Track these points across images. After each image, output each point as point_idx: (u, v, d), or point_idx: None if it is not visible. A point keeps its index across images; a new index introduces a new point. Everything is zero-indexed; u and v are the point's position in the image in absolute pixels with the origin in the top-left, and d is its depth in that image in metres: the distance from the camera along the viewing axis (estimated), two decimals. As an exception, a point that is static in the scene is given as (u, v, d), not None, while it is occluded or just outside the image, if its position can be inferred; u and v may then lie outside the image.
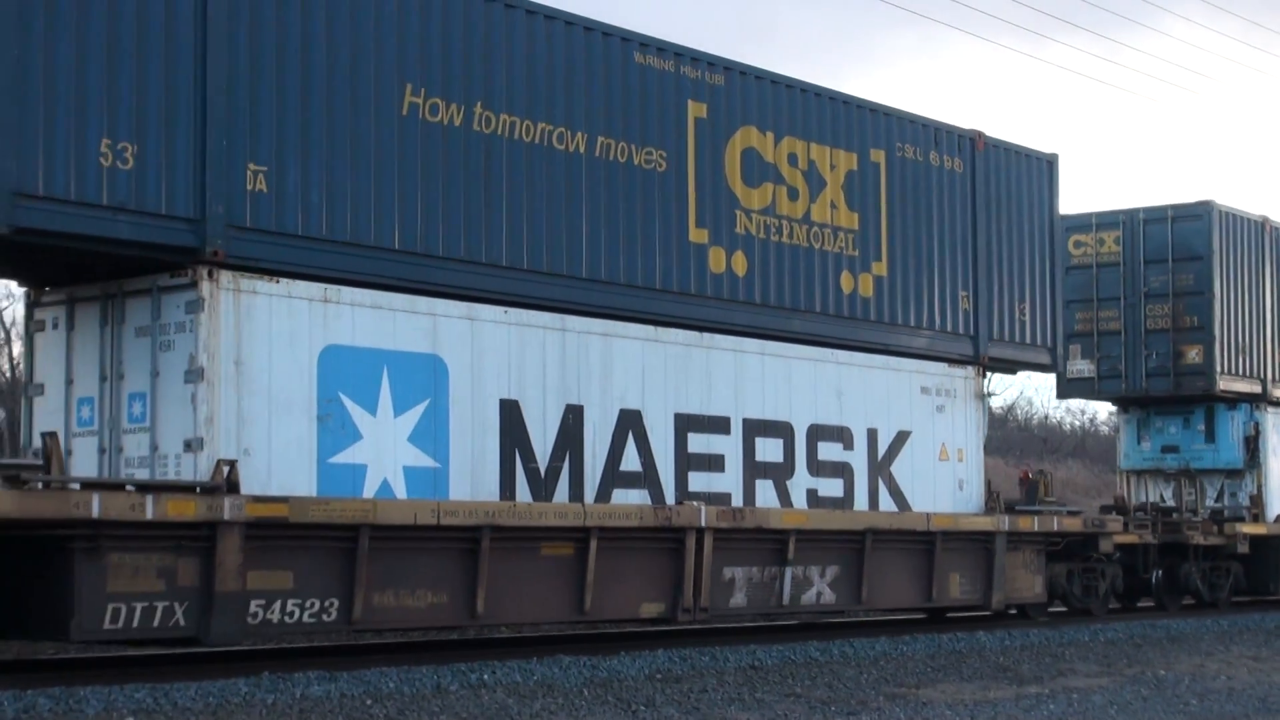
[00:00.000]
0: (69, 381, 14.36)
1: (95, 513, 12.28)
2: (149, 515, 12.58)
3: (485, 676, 13.71)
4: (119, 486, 12.75)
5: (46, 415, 14.49)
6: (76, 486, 12.51)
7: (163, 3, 13.16)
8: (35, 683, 12.12)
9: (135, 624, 12.70)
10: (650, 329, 16.82)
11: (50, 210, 12.52)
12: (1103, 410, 60.49)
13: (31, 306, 14.73)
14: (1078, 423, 65.53)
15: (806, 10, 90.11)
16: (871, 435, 19.18)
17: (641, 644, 16.40)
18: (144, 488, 12.78)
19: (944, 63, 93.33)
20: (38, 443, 14.54)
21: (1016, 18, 67.40)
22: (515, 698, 12.90)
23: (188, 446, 13.47)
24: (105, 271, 13.91)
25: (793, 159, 18.36)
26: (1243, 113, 79.84)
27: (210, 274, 13.42)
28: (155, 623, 12.83)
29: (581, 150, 16.17)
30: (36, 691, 11.53)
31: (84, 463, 14.08)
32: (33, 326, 14.70)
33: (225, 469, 13.13)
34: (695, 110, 17.33)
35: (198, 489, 13.02)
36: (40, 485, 12.33)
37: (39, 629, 12.77)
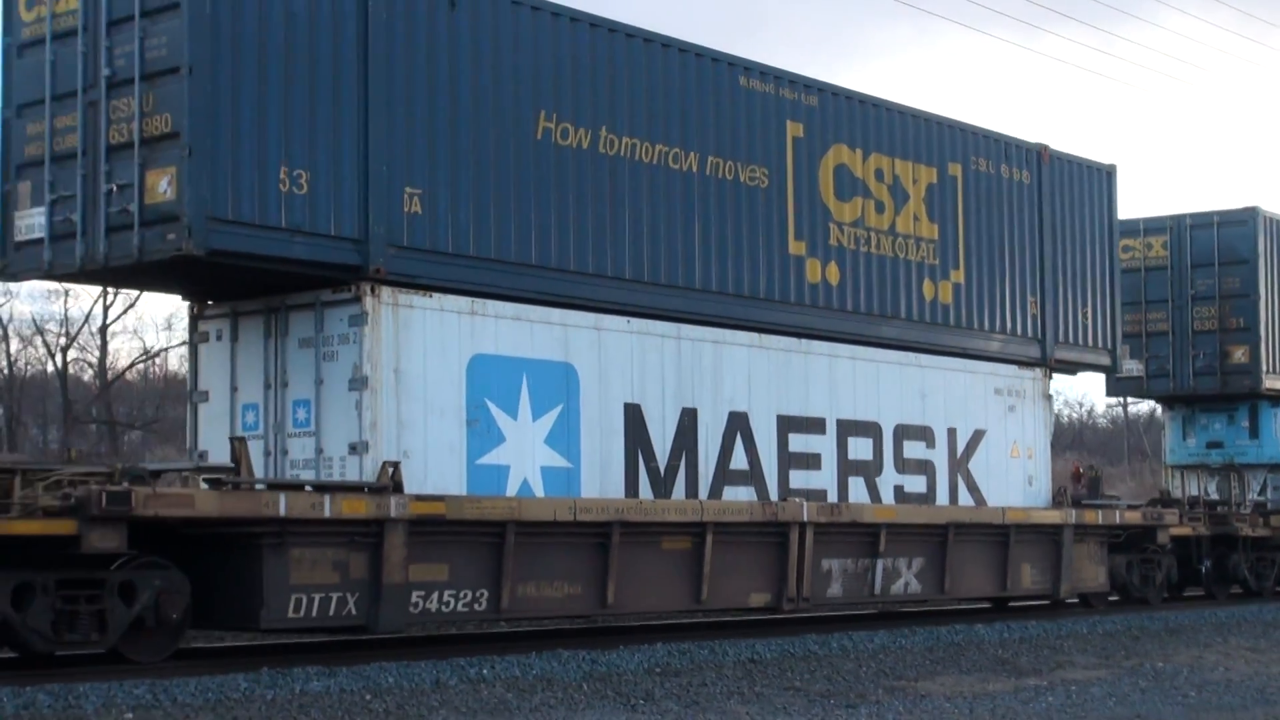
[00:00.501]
0: (233, 389, 15.43)
1: (282, 511, 13.39)
2: (327, 513, 13.69)
3: (484, 671, 13.60)
4: (299, 487, 13.85)
5: (211, 420, 15.57)
6: (263, 487, 13.61)
7: (330, 45, 14.23)
8: (35, 679, 12.04)
9: (314, 613, 13.80)
10: (755, 336, 17.92)
11: (238, 233, 13.61)
12: (1100, 403, 61.43)
13: (195, 319, 15.79)
14: (1075, 415, 66.26)
15: (799, 2, 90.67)
16: (951, 434, 20.29)
17: (640, 638, 16.40)
18: (320, 488, 13.89)
19: (938, 54, 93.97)
20: (203, 445, 15.67)
21: (1010, 9, 68.12)
22: (514, 692, 12.86)
23: (352, 449, 14.55)
24: (267, 287, 14.97)
25: (879, 174, 19.44)
26: (1236, 103, 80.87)
27: (373, 290, 14.51)
28: (331, 612, 13.93)
29: (694, 169, 17.25)
30: (36, 688, 11.50)
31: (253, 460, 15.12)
32: (196, 338, 15.77)
33: (390, 470, 14.24)
34: (793, 130, 18.41)
35: (366, 489, 14.12)
36: (230, 487, 13.43)
37: (230, 619, 13.85)
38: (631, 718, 12.06)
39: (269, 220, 13.79)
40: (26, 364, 48.46)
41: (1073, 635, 18.82)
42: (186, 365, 16.30)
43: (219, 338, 15.60)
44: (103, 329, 46.98)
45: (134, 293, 41.17)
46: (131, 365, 50.41)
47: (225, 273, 14.40)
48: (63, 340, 46.54)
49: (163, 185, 13.43)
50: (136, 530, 12.78)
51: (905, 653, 16.51)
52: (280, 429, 15.05)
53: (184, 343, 47.05)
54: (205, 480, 13.46)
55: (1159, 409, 29.42)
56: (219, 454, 15.35)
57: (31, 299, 72.90)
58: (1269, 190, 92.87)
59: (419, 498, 14.33)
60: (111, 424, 46.98)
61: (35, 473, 12.81)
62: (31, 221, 14.40)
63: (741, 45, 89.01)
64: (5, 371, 46.04)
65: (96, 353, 48.28)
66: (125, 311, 46.72)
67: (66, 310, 49.16)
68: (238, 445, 13.66)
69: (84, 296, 45.93)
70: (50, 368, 47.16)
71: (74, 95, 14.14)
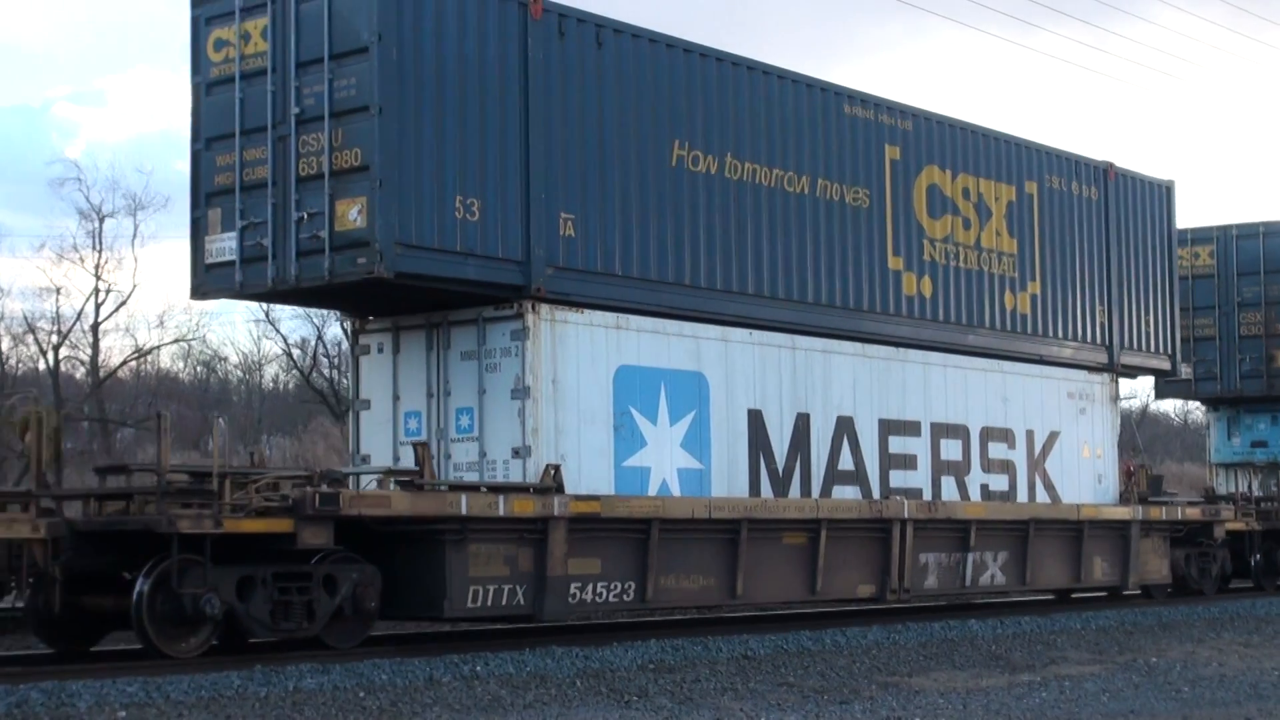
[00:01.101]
0: (395, 398, 16.74)
1: (464, 510, 14.72)
2: (501, 512, 15.02)
3: (478, 668, 13.66)
4: (475, 488, 15.17)
5: (373, 427, 16.89)
6: (445, 488, 14.93)
7: (497, 84, 15.58)
8: (27, 677, 12.12)
9: (489, 603, 15.13)
10: (859, 345, 19.26)
11: (421, 257, 14.93)
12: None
13: (355, 334, 17.11)
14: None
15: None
16: (1029, 436, 21.66)
17: (633, 634, 16.46)
18: (493, 489, 15.22)
19: (931, 51, 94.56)
20: (365, 449, 16.98)
21: (1004, 5, 68.99)
22: (508, 689, 12.90)
23: (515, 453, 15.87)
24: (428, 304, 16.28)
25: (965, 193, 20.80)
26: (1229, 98, 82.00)
27: (533, 307, 15.83)
28: (503, 602, 15.26)
29: (806, 191, 18.59)
30: (29, 686, 11.56)
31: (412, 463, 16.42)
32: (358, 350, 17.08)
33: (553, 472, 15.57)
34: (890, 153, 19.75)
35: (531, 490, 15.45)
36: (420, 488, 14.76)
37: (416, 609, 15.16)
38: (625, 714, 12.04)
39: (447, 245, 15.12)
40: (19, 362, 48.35)
41: (1066, 631, 18.94)
42: (349, 376, 17.57)
43: (380, 350, 16.90)
44: (94, 327, 46.81)
45: (125, 290, 41.48)
46: (124, 363, 50.21)
47: (394, 291, 15.69)
48: (54, 338, 46.30)
49: (353, 214, 14.75)
50: (336, 528, 14.11)
51: (899, 648, 16.54)
52: (444, 434, 16.35)
53: (177, 340, 47.73)
54: (396, 482, 14.77)
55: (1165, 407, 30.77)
56: (380, 457, 16.70)
57: (23, 296, 73.23)
58: (1269, 187, 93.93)
59: (577, 497, 15.67)
60: (104, 421, 46.91)
61: (242, 476, 14.13)
62: (222, 245, 15.70)
63: (735, 41, 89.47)
64: (-3, 369, 44.96)
65: (88, 350, 48.15)
66: (117, 309, 46.96)
67: (58, 308, 48.14)
68: (421, 450, 14.97)
69: (75, 295, 45.91)
70: (42, 365, 46.86)
71: (263, 130, 15.45)
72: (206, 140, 15.96)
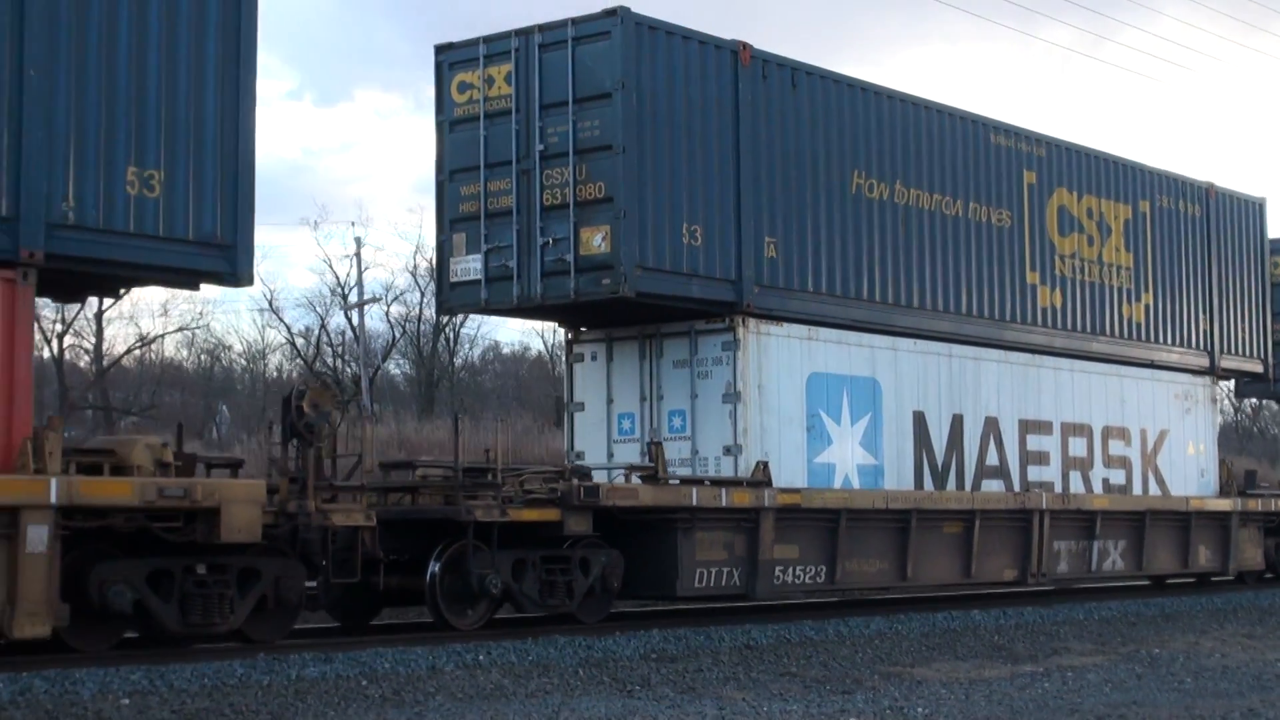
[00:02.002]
0: (609, 401, 18.71)
1: (694, 501, 16.72)
2: (723, 503, 17.01)
3: (480, 657, 13.71)
4: (700, 482, 17.16)
5: (587, 427, 18.86)
6: (676, 482, 16.92)
7: (715, 124, 17.55)
8: (31, 665, 12.10)
9: (711, 584, 17.12)
10: (1002, 353, 21.26)
11: (655, 278, 16.92)
12: None
13: (570, 344, 19.08)
14: None
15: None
16: (1143, 434, 23.67)
17: (636, 624, 16.62)
18: (715, 483, 17.21)
19: (933, 46, 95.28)
20: (579, 447, 18.94)
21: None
22: (511, 678, 12.91)
23: (726, 451, 17.86)
24: (640, 317, 18.24)
25: (1089, 212, 22.79)
26: (1236, 92, 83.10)
27: (743, 321, 17.80)
28: (722, 583, 17.25)
29: (959, 214, 20.58)
30: (32, 674, 11.55)
31: (628, 460, 18.39)
32: (573, 358, 19.06)
33: (762, 467, 17.57)
34: (1028, 177, 21.75)
35: (744, 483, 17.44)
36: (635, 478, 16.74)
37: (651, 589, 17.13)
38: (627, 704, 12.02)
39: (676, 267, 17.10)
40: None
41: (1069, 622, 19.05)
42: (564, 381, 19.53)
43: (594, 358, 18.88)
44: (98, 315, 47.29)
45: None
46: (128, 351, 50.82)
47: (610, 306, 17.64)
48: (59, 326, 46.58)
49: (597, 240, 16.73)
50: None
51: (901, 639, 16.63)
52: (657, 434, 18.30)
53: (181, 329, 48.22)
54: (639, 477, 16.75)
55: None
56: (594, 454, 18.67)
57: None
58: (1271, 181, 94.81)
59: (783, 490, 17.66)
60: (108, 410, 47.48)
61: (511, 472, 16.10)
62: (467, 266, 17.67)
63: (740, 32, 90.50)
64: None
65: (92, 339, 48.79)
66: (120, 297, 48.32)
67: (63, 295, 49.59)
68: (655, 449, 16.97)
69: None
70: (46, 353, 46.91)
71: (508, 164, 17.42)
72: (450, 172, 17.92)
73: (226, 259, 13.44)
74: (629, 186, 16.67)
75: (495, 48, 17.62)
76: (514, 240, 17.36)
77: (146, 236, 12.95)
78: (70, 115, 12.52)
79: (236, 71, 13.49)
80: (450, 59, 17.97)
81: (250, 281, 13.60)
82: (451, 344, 56.74)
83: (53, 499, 12.05)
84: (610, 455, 18.56)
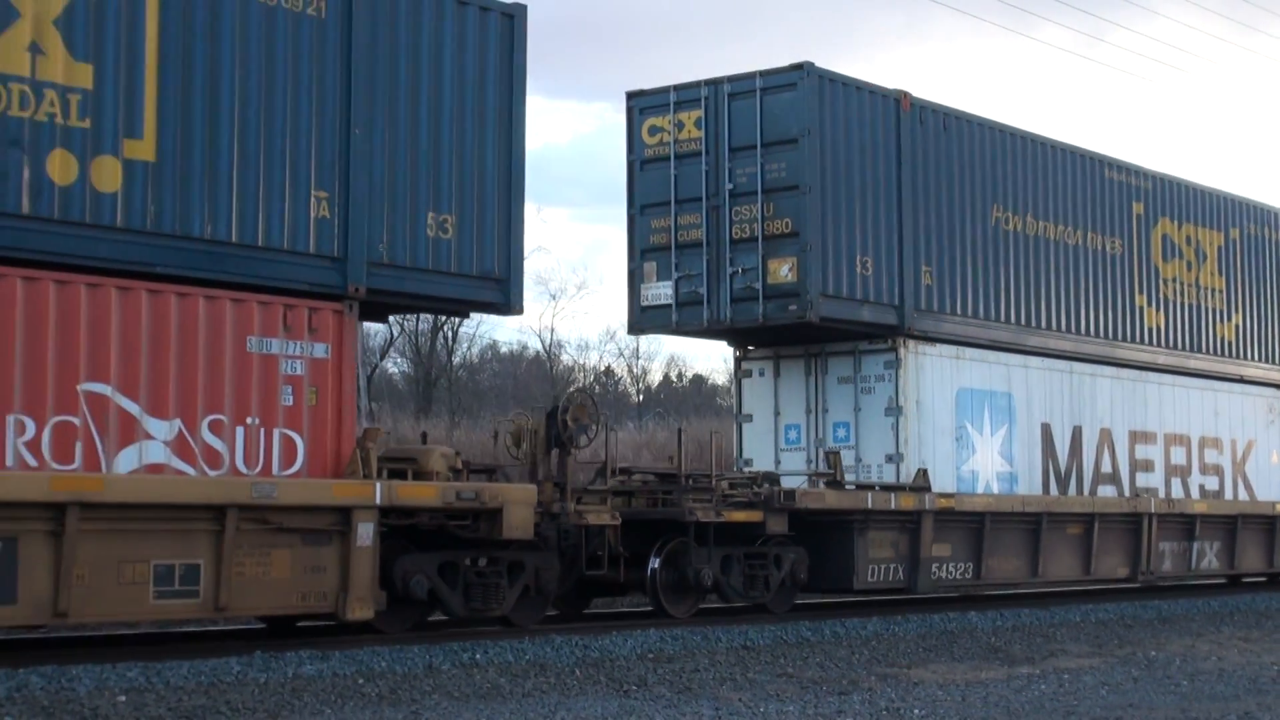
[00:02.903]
0: (776, 413, 20.69)
1: (870, 505, 18.70)
2: (893, 506, 19.00)
3: (477, 656, 13.77)
4: (872, 487, 19.15)
5: (755, 436, 20.83)
6: (852, 487, 18.90)
7: (881, 165, 19.51)
8: (28, 661, 12.20)
9: (879, 579, 19.10)
10: (1114, 369, 23.26)
11: (835, 304, 18.89)
12: None
13: (739, 360, 21.05)
14: None
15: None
16: (1233, 443, 25.70)
17: (633, 624, 16.71)
18: (885, 488, 19.19)
19: (932, 44, 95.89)
20: (747, 454, 20.90)
21: None
22: (507, 677, 12.91)
23: (888, 459, 19.84)
24: (806, 337, 20.21)
25: (1188, 239, 24.82)
26: (1232, 92, 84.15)
27: (904, 342, 19.79)
28: (889, 578, 19.23)
29: (1079, 243, 22.58)
30: (29, 670, 11.58)
31: (794, 467, 20.36)
32: (741, 374, 21.03)
33: (923, 474, 19.55)
34: (1136, 209, 23.76)
35: (908, 489, 19.43)
36: (822, 485, 18.73)
37: (831, 583, 19.09)
38: (624, 704, 12.05)
39: (852, 295, 19.10)
40: None
41: (1065, 624, 19.13)
42: (734, 394, 21.51)
43: (761, 374, 20.86)
44: None
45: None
46: None
47: (782, 329, 19.61)
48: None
49: (784, 270, 18.71)
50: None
51: (898, 640, 16.66)
52: (822, 443, 20.30)
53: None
54: (824, 482, 18.74)
55: None
56: (761, 461, 20.62)
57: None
58: (1269, 179, 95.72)
59: (941, 494, 19.65)
60: None
61: (704, 477, 18.06)
62: (657, 292, 19.64)
63: (735, 32, 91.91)
64: None
65: None
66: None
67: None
68: (834, 457, 18.96)
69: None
70: None
71: (697, 201, 19.39)
72: (641, 206, 19.90)
73: (502, 291, 15.42)
74: (814, 222, 18.65)
75: (685, 95, 19.60)
76: (704, 269, 19.33)
77: (442, 273, 14.92)
78: (385, 168, 14.50)
79: (510, 124, 15.47)
80: (641, 104, 19.94)
81: (520, 311, 15.56)
82: (450, 343, 57.45)
83: (377, 500, 14.02)
84: (777, 462, 20.52)
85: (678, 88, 19.70)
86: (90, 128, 12.68)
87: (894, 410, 19.83)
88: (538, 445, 16.49)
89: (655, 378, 66.58)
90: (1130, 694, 13.44)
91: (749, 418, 20.99)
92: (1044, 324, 21.95)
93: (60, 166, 12.50)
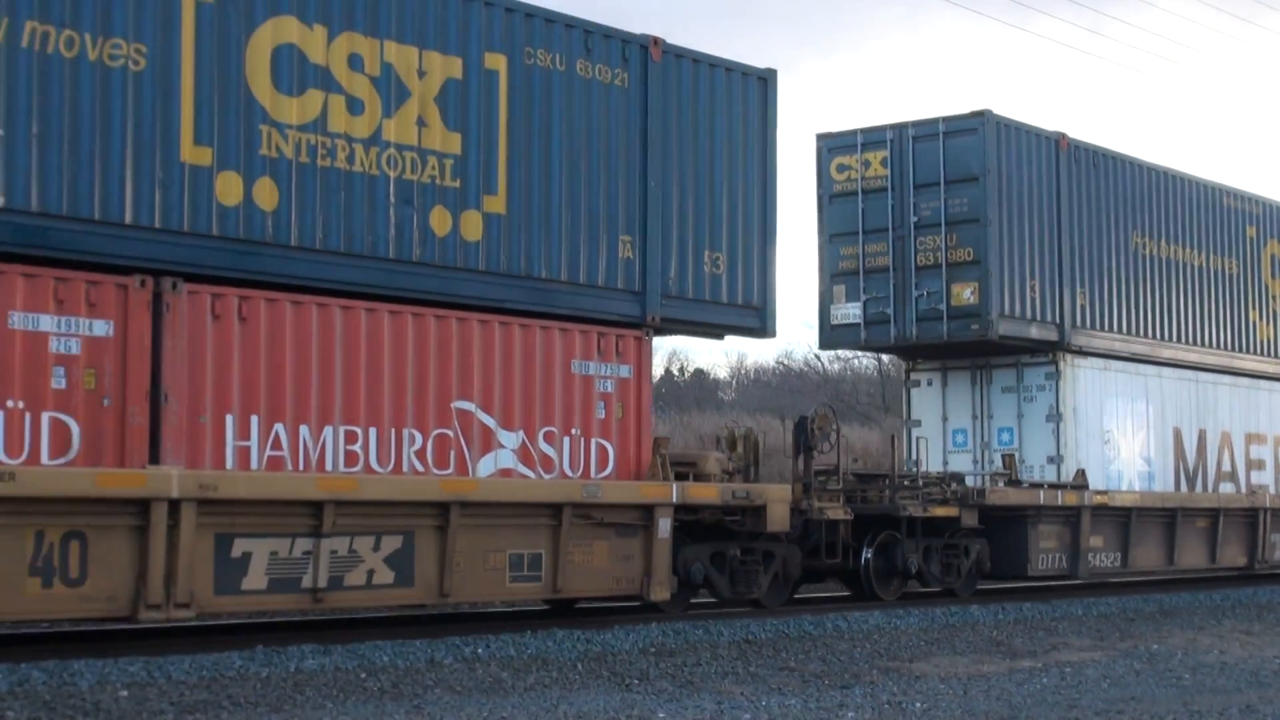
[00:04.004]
0: (944, 419, 23.15)
1: (1041, 501, 21.16)
2: (1059, 502, 21.45)
3: (479, 650, 13.80)
4: (1042, 486, 21.60)
5: (923, 440, 23.26)
6: (1026, 486, 21.35)
7: (1041, 199, 21.96)
8: (29, 655, 12.26)
9: (1046, 567, 21.55)
10: (1232, 378, 25.74)
11: (1010, 323, 21.32)
12: None
13: (908, 371, 23.51)
14: None
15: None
16: (1328, 444, 28.18)
17: (635, 618, 16.81)
18: (1052, 486, 21.65)
19: (931, 35, 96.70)
20: (918, 456, 23.34)
21: None
22: (509, 671, 12.92)
23: (1049, 460, 22.31)
24: (971, 351, 22.65)
25: (1273, 259, 27.34)
26: (1230, 84, 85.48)
27: (1064, 356, 22.24)
28: (1054, 567, 21.69)
29: (1204, 264, 25.05)
30: (30, 665, 11.58)
31: (961, 468, 22.79)
32: (910, 384, 23.48)
33: (1082, 474, 22.02)
34: (1249, 231, 26.23)
35: (1069, 486, 21.88)
36: (1000, 483, 21.19)
37: (1006, 570, 21.52)
38: (626, 697, 12.07)
39: (1024, 315, 21.55)
40: None
41: (1067, 617, 19.23)
42: (903, 402, 23.97)
43: (929, 384, 23.32)
44: None
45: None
46: None
47: (958, 344, 22.05)
48: None
49: (966, 294, 21.16)
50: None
51: (900, 633, 16.73)
52: (987, 446, 22.77)
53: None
54: (1002, 481, 21.20)
55: None
56: (930, 463, 23.07)
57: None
58: (1270, 173, 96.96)
59: (1096, 492, 22.11)
60: None
61: (891, 479, 20.51)
62: (846, 312, 22.09)
63: (734, 25, 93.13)
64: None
65: None
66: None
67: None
68: (1009, 459, 21.41)
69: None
70: None
71: (883, 231, 21.84)
72: (830, 236, 22.34)
73: (759, 317, 17.85)
74: (994, 251, 21.10)
75: (871, 137, 22.05)
76: (890, 292, 21.78)
77: (716, 303, 17.36)
78: (673, 214, 16.92)
79: (765, 171, 17.88)
80: (829, 144, 22.38)
81: (774, 334, 17.96)
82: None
83: (674, 499, 16.45)
84: (945, 463, 22.96)
85: (864, 131, 22.14)
86: (459, 187, 15.10)
87: (1054, 416, 22.28)
88: (749, 450, 18.91)
89: (657, 371, 68.86)
90: (1132, 687, 13.45)
91: (918, 423, 23.44)
92: (1175, 338, 24.40)
93: (439, 220, 14.93)
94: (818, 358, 58.02)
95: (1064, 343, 22.20)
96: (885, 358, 48.02)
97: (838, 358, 56.22)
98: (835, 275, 22.34)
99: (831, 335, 22.49)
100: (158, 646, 13.30)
